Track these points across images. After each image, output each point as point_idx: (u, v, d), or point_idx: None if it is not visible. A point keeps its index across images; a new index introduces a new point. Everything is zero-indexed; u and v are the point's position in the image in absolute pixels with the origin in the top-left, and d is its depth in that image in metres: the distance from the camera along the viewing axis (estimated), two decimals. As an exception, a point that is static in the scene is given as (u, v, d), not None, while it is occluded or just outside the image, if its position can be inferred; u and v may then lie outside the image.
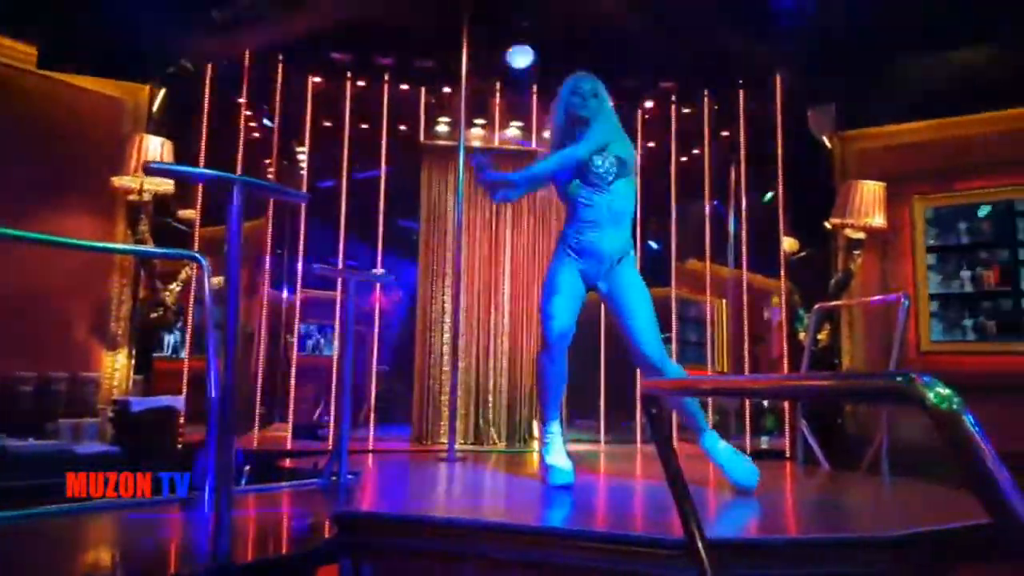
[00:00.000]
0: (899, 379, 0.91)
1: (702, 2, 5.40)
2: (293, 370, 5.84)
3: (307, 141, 5.74)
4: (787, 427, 5.49)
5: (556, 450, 3.36)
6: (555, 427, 3.40)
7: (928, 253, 5.52)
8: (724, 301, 10.08)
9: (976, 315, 5.36)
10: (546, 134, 5.90)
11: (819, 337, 5.44)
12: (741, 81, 5.88)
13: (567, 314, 3.33)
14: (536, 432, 5.82)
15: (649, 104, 5.71)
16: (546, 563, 2.38)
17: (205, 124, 5.34)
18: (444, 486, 3.62)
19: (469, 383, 5.66)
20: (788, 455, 5.34)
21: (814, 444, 4.71)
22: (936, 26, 5.14)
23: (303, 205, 5.61)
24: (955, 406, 0.88)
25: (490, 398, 5.68)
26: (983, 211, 5.37)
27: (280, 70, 5.55)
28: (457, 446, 4.69)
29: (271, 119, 5.75)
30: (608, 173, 3.31)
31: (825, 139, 5.86)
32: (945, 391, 0.89)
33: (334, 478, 3.42)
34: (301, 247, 5.65)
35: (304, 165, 5.88)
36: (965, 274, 5.42)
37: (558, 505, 3.00)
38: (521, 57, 5.34)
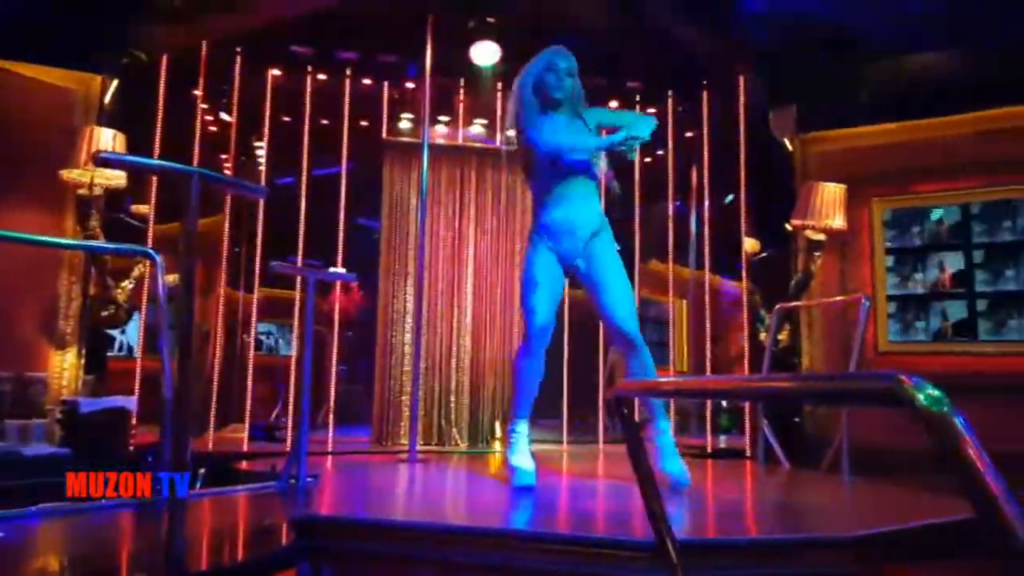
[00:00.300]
0: (887, 381, 0.88)
1: (668, 3, 5.41)
2: (251, 370, 5.72)
3: (266, 136, 5.62)
4: (747, 426, 5.51)
5: (520, 450, 3.32)
6: (522, 427, 3.36)
7: (886, 255, 5.59)
8: (684, 301, 10.16)
9: (932, 316, 5.44)
10: (512, 131, 5.90)
11: (779, 337, 5.47)
12: (705, 82, 5.90)
13: (548, 307, 3.29)
14: (499, 432, 5.78)
15: (614, 104, 5.69)
16: (508, 566, 2.34)
17: (160, 117, 5.20)
18: (406, 489, 3.56)
19: (431, 383, 5.59)
20: (748, 454, 5.36)
21: (775, 443, 4.74)
22: (897, 30, 5.20)
23: (261, 201, 5.50)
24: (945, 407, 0.85)
25: (452, 398, 5.62)
26: (935, 214, 5.45)
27: (239, 62, 5.42)
28: (419, 447, 4.63)
29: (228, 113, 5.62)
30: (595, 157, 3.32)
31: (786, 141, 5.90)
32: (935, 392, 0.86)
33: (292, 481, 3.33)
34: (259, 244, 5.53)
35: (263, 161, 5.76)
36: (921, 276, 5.49)
37: (521, 507, 2.96)
38: (486, 54, 5.29)
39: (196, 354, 5.63)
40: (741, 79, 5.70)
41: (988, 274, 5.29)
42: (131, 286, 5.11)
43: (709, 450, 5.65)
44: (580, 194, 3.32)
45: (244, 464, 4.34)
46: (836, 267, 5.70)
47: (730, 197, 6.30)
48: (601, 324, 3.45)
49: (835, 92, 5.61)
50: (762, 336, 5.65)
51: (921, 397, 0.85)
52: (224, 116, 5.80)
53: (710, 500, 3.29)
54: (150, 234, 5.22)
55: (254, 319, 5.72)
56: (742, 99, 5.71)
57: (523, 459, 3.29)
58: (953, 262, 5.40)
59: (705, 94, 5.92)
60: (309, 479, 3.37)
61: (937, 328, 5.41)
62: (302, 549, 2.40)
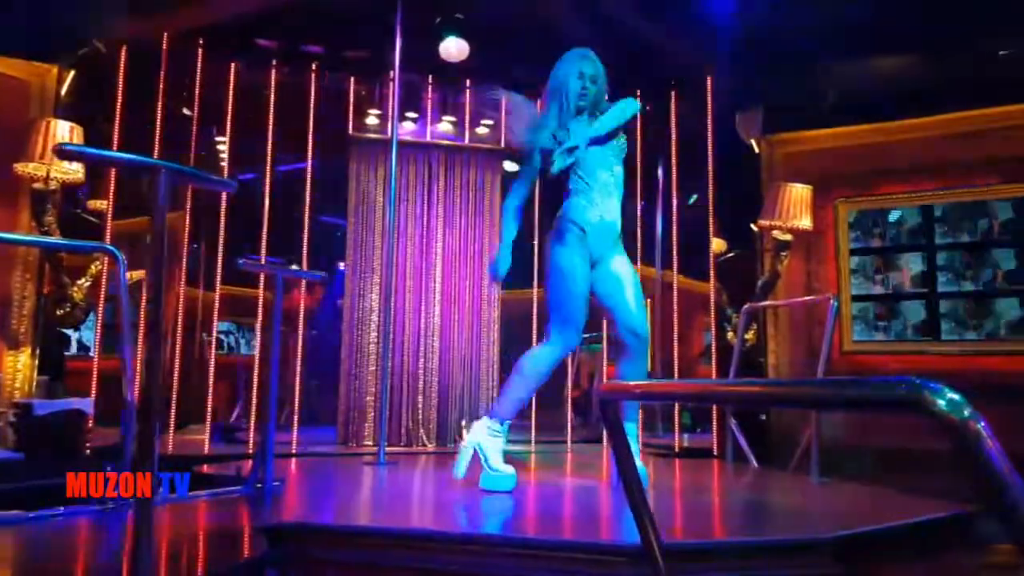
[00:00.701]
0: (904, 387, 0.85)
1: (636, 2, 5.40)
2: (212, 370, 5.59)
3: (228, 131, 5.50)
4: (713, 424, 5.52)
5: (498, 453, 3.27)
6: (505, 428, 3.32)
7: (851, 255, 5.65)
8: (649, 301, 10.19)
9: (895, 316, 5.50)
10: (481, 130, 5.85)
11: (746, 337, 5.49)
12: (673, 82, 5.90)
13: (584, 317, 3.30)
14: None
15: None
16: (484, 573, 2.29)
17: (119, 110, 5.05)
18: (376, 492, 3.50)
19: (398, 383, 5.51)
20: (716, 453, 5.37)
21: (743, 442, 4.76)
22: (863, 32, 5.25)
23: (224, 197, 5.38)
24: (967, 413, 0.82)
25: (420, 399, 5.55)
26: (899, 216, 5.52)
27: (200, 55, 5.29)
28: (386, 448, 4.55)
29: (190, 107, 5.48)
30: (623, 152, 3.37)
31: (753, 142, 5.93)
32: (956, 397, 0.83)
33: (259, 485, 3.24)
34: (221, 241, 5.40)
35: (224, 156, 5.63)
36: (885, 276, 5.56)
37: (495, 511, 2.91)
38: (455, 49, 5.23)
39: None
40: (709, 80, 5.70)
41: (950, 275, 5.37)
42: (88, 284, 4.97)
43: (677, 449, 5.65)
44: (615, 193, 3.35)
45: (205, 467, 4.23)
46: (802, 267, 5.74)
47: (694, 197, 6.32)
48: (610, 323, 3.43)
49: (802, 94, 5.65)
50: (729, 335, 5.67)
51: (941, 403, 0.82)
52: (184, 111, 5.65)
53: (686, 501, 3.27)
54: (108, 230, 5.07)
55: (215, 318, 5.59)
56: (710, 100, 5.72)
57: (502, 463, 3.25)
58: (916, 263, 5.47)
59: (673, 94, 5.91)
60: (275, 483, 3.28)
61: (900, 328, 5.48)
62: (272, 558, 2.33)
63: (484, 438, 3.29)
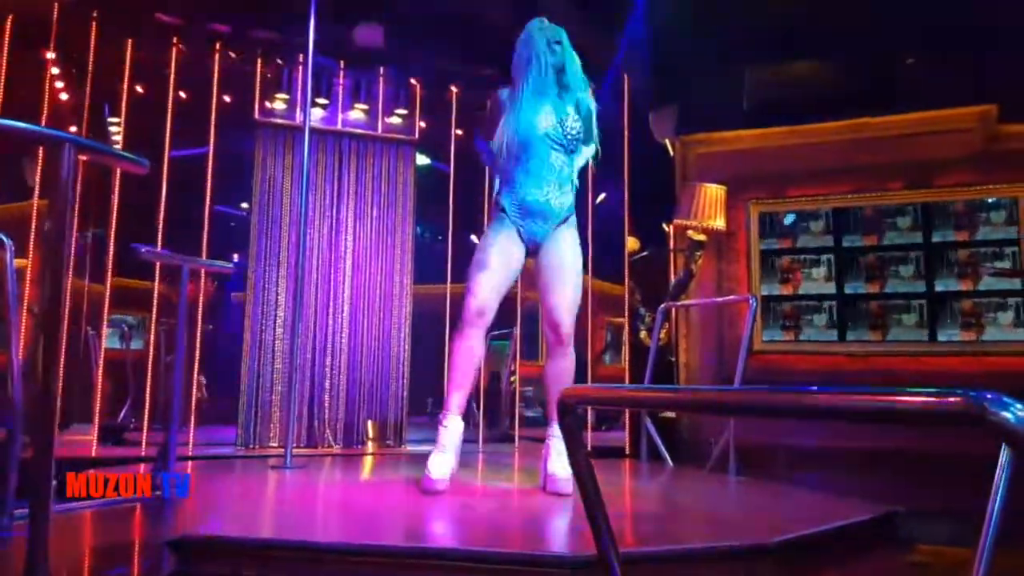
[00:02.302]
0: (964, 400, 0.77)
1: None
2: (101, 366, 5.21)
3: (123, 112, 5.12)
4: (626, 423, 5.52)
5: (436, 450, 3.14)
6: (453, 422, 3.18)
7: (761, 256, 5.76)
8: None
9: (803, 316, 5.63)
10: (394, 120, 5.66)
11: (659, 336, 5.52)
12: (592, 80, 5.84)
13: (490, 291, 3.15)
14: (372, 432, 5.54)
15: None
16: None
17: (1, 84, 4.63)
18: (289, 500, 3.28)
19: (304, 381, 5.27)
20: (627, 452, 5.36)
21: (659, 442, 4.76)
22: (776, 38, 5.34)
23: (118, 183, 5.02)
24: (1035, 427, 0.75)
25: (326, 397, 5.32)
26: (789, 218, 5.67)
27: (94, 28, 4.90)
28: (292, 451, 4.32)
29: (81, 84, 5.08)
30: (576, 137, 3.26)
31: (667, 142, 5.97)
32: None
33: (158, 492, 2.99)
34: (113, 230, 5.03)
35: (119, 138, 5.25)
36: (794, 277, 5.69)
37: (432, 519, 2.77)
38: (370, 35, 5.03)
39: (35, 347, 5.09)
40: (626, 78, 5.69)
41: (856, 276, 5.54)
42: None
43: (588, 448, 5.61)
44: (558, 180, 3.23)
45: (93, 472, 3.88)
46: (713, 267, 5.81)
47: (601, 196, 6.31)
48: (541, 314, 3.34)
49: (716, 95, 5.71)
50: (642, 335, 5.68)
51: (1008, 416, 0.75)
52: (74, 88, 5.25)
53: (619, 505, 3.20)
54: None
55: (106, 311, 5.21)
56: (627, 98, 5.71)
57: (436, 460, 3.11)
58: (823, 264, 5.62)
59: (590, 91, 5.86)
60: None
61: (807, 328, 5.61)
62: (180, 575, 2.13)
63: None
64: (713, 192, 5.27)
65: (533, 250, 3.28)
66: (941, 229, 5.45)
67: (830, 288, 5.59)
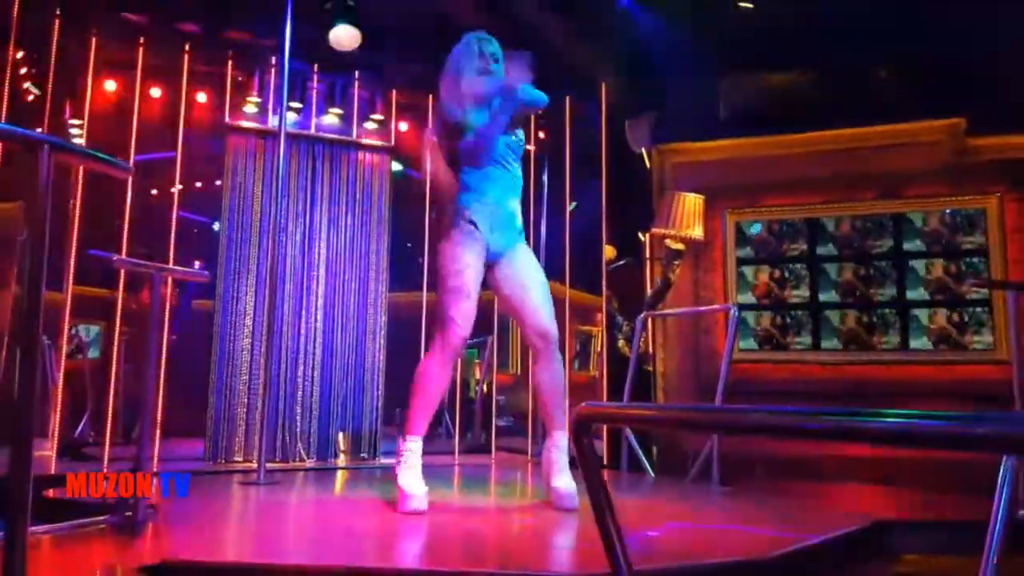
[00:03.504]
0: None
1: (534, 2, 5.29)
2: (60, 378, 5.01)
3: (86, 114, 4.93)
4: (604, 434, 5.46)
5: (410, 471, 3.03)
6: (416, 444, 3.07)
7: (737, 265, 5.76)
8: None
9: (779, 326, 5.65)
10: (369, 125, 5.55)
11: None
12: (569, 87, 5.81)
13: (472, 319, 3.06)
14: (343, 445, 5.40)
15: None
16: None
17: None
18: (270, 518, 3.15)
19: (275, 393, 5.11)
20: (606, 463, 5.31)
21: (640, 453, 4.72)
22: (751, 49, 5.36)
23: (80, 188, 4.84)
24: None
25: (298, 409, 5.17)
26: (756, 228, 5.71)
27: (57, 26, 4.71)
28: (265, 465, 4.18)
29: (40, 86, 4.89)
30: (520, 147, 3.23)
31: (644, 151, 5.95)
32: None
33: (128, 513, 2.82)
34: (75, 235, 4.84)
35: (80, 141, 5.06)
36: (770, 286, 5.70)
37: (415, 539, 2.68)
38: (346, 38, 4.93)
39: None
40: (604, 85, 5.66)
41: (830, 286, 5.57)
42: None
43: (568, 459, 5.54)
44: (514, 192, 3.19)
45: (52, 492, 3.66)
46: (689, 276, 5.80)
47: (573, 204, 6.27)
48: (519, 325, 3.26)
49: (693, 105, 5.71)
50: (620, 344, 5.65)
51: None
52: (33, 89, 5.05)
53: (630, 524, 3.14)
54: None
55: (67, 320, 5.00)
56: (604, 106, 5.68)
57: (413, 481, 3.00)
58: (799, 274, 5.64)
59: (568, 99, 5.83)
60: (147, 510, 2.88)
61: (783, 338, 5.63)
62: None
63: (398, 455, 3.08)
64: (691, 201, 5.25)
65: (491, 263, 3.20)
66: (912, 239, 5.50)
67: (804, 298, 5.61)
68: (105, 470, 4.46)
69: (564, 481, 3.11)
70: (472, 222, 3.09)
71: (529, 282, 3.18)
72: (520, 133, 3.25)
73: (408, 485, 2.98)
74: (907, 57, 5.40)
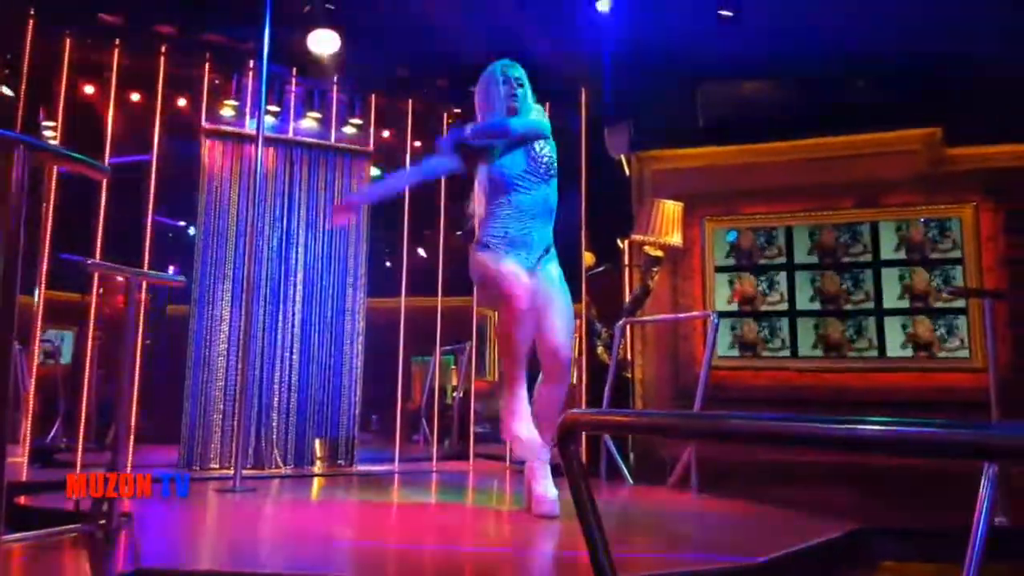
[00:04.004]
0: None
1: (514, 9, 5.28)
2: (32, 383, 4.91)
3: (60, 117, 4.86)
4: (583, 440, 5.44)
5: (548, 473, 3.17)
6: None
7: (716, 272, 5.78)
8: (495, 313, 10.11)
9: (757, 332, 5.67)
10: (348, 130, 5.52)
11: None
12: (548, 93, 5.81)
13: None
14: (320, 452, 5.35)
15: (458, 110, 5.48)
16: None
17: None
18: (249, 527, 3.11)
19: (251, 399, 5.04)
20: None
21: (619, 459, 4.71)
22: (729, 57, 5.39)
23: (52, 191, 4.76)
24: None
25: (274, 415, 5.12)
26: (731, 236, 5.73)
27: (31, 25, 4.64)
28: (242, 472, 4.13)
29: (14, 85, 4.81)
30: (551, 165, 3.27)
31: (623, 158, 5.96)
32: None
33: (102, 522, 2.77)
34: (48, 240, 4.76)
35: (54, 142, 4.98)
36: (748, 293, 5.72)
37: (395, 546, 2.65)
38: (324, 43, 4.89)
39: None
40: (584, 92, 5.67)
41: (808, 293, 5.60)
42: None
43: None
44: (542, 212, 3.26)
45: (24, 499, 3.60)
46: (668, 283, 5.81)
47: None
48: (536, 344, 3.27)
49: (673, 112, 5.73)
50: (599, 350, 5.64)
51: None
52: (6, 90, 4.97)
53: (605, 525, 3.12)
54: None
55: (39, 325, 4.92)
56: (584, 113, 5.68)
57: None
58: (777, 281, 5.67)
59: (547, 105, 5.82)
60: (121, 518, 2.82)
61: (760, 344, 5.65)
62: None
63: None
64: (671, 208, 5.27)
65: None
66: (889, 248, 5.55)
67: (782, 305, 5.64)
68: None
69: (546, 488, 3.12)
70: (499, 246, 3.19)
71: (548, 300, 3.20)
72: (546, 150, 3.28)
73: (550, 489, 3.11)
74: (884, 67, 5.45)
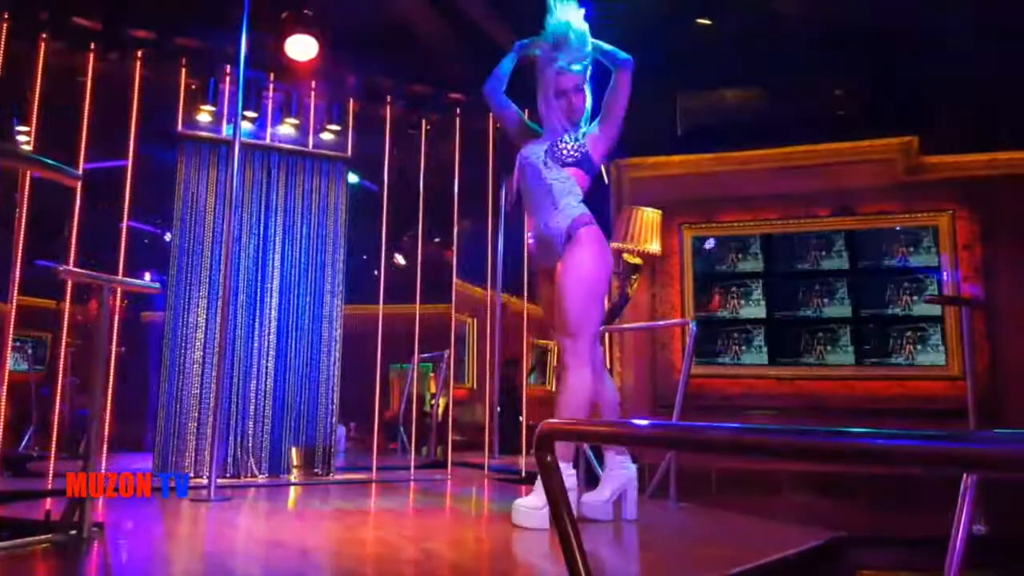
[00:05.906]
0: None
1: (492, 18, 5.27)
2: (3, 391, 4.82)
3: (33, 121, 4.79)
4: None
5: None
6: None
7: (694, 280, 5.80)
8: (474, 320, 10.09)
9: (733, 340, 5.68)
10: (326, 136, 5.48)
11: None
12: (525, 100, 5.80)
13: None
14: (296, 460, 5.29)
15: (436, 117, 5.46)
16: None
17: None
18: (227, 539, 3.05)
19: (226, 407, 4.98)
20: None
21: (597, 467, 4.69)
22: (707, 65, 5.41)
23: (25, 196, 4.68)
24: None
25: (250, 424, 5.06)
26: (710, 243, 5.75)
27: (5, 29, 4.57)
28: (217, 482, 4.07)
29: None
30: (560, 153, 3.36)
31: (601, 166, 5.95)
32: None
33: (73, 532, 2.72)
34: (20, 245, 4.68)
35: (27, 148, 4.90)
36: (724, 301, 5.74)
37: (395, 563, 2.61)
38: (302, 47, 4.86)
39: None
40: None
41: (785, 302, 5.62)
42: None
43: (523, 474, 5.51)
44: (541, 196, 3.25)
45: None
46: (646, 291, 5.81)
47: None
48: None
49: (651, 120, 5.73)
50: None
51: None
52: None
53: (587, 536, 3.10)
54: None
55: (10, 331, 4.83)
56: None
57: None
58: (752, 288, 5.69)
59: (526, 112, 5.80)
60: (93, 529, 2.77)
61: (738, 353, 5.66)
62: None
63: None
64: (649, 216, 5.27)
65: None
66: (866, 255, 5.59)
67: (760, 313, 5.66)
68: (50, 485, 4.32)
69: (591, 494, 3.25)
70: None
71: (560, 287, 3.11)
72: (567, 139, 3.33)
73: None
74: (861, 76, 5.50)
